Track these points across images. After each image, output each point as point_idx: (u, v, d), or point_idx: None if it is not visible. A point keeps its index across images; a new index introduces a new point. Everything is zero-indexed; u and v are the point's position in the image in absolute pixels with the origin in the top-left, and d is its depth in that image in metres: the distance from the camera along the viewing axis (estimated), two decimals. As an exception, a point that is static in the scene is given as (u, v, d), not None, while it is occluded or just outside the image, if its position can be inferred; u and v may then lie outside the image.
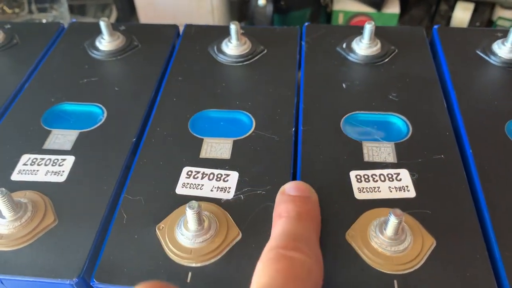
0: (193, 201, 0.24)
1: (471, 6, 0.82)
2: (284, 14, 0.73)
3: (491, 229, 0.25)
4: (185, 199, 0.27)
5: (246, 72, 0.36)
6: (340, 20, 0.79)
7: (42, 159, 0.30)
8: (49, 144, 0.31)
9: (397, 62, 0.36)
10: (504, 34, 0.37)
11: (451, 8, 0.83)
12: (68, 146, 0.31)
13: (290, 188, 0.25)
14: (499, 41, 0.37)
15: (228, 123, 0.32)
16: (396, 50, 0.37)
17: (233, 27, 0.36)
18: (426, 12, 0.82)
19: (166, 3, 0.77)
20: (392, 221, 0.23)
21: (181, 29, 0.42)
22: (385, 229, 0.24)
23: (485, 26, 0.84)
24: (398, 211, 0.23)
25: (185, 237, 0.25)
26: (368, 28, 0.36)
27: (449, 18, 0.83)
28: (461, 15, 0.82)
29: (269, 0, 0.68)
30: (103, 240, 0.26)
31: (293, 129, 0.31)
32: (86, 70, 0.37)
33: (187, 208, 0.24)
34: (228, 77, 0.36)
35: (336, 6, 0.78)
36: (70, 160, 0.30)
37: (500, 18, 0.86)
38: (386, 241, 0.24)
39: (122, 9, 0.81)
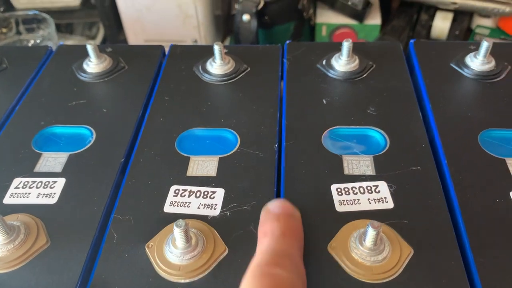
0: (180, 220, 0.25)
1: (450, 16, 0.84)
2: (268, 29, 0.74)
3: (466, 237, 0.27)
4: (173, 217, 0.28)
5: (230, 90, 0.38)
6: (324, 32, 0.81)
7: (34, 182, 0.31)
8: (40, 167, 0.32)
9: (375, 77, 0.38)
10: (476, 46, 0.39)
11: (431, 18, 0.85)
12: (58, 169, 0.32)
13: (274, 206, 0.27)
14: (472, 54, 0.38)
15: (214, 141, 0.33)
16: (374, 65, 0.39)
17: (217, 47, 0.38)
18: (407, 22, 0.84)
19: (153, 20, 0.79)
20: (370, 232, 0.25)
21: (167, 48, 0.43)
22: (364, 240, 0.25)
23: (464, 34, 0.86)
24: (375, 223, 0.24)
25: (174, 254, 0.26)
26: (346, 45, 0.37)
27: (429, 28, 0.85)
28: (441, 24, 0.84)
29: (253, 16, 0.69)
30: (95, 260, 0.27)
31: (276, 145, 0.32)
32: (75, 92, 0.38)
33: (175, 227, 0.25)
34: (213, 95, 0.37)
35: (319, 19, 0.80)
36: (61, 182, 0.31)
37: (478, 26, 0.88)
38: (365, 251, 0.25)
39: (109, 27, 0.82)
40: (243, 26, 0.70)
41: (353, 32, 0.81)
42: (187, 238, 0.25)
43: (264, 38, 0.75)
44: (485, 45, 0.37)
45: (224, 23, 0.88)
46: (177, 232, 0.25)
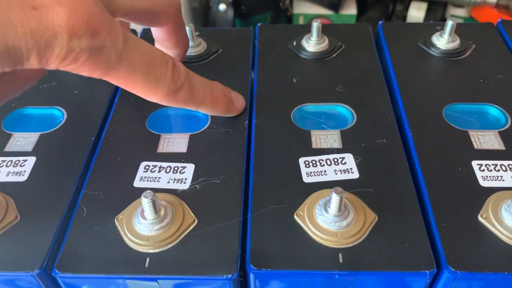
0: (148, 191, 0.25)
1: (424, 6, 0.85)
2: (245, 19, 0.75)
3: (428, 203, 0.27)
4: (143, 192, 0.28)
5: (202, 72, 0.37)
6: (301, 22, 0.82)
7: (3, 161, 0.31)
8: (10, 146, 0.32)
9: (344, 57, 0.39)
10: (443, 27, 0.40)
11: (406, 8, 0.87)
12: (29, 148, 0.32)
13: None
14: (438, 33, 0.39)
15: (185, 119, 0.34)
16: (343, 46, 0.40)
17: (188, 29, 0.38)
18: (382, 12, 0.85)
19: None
20: (334, 198, 0.25)
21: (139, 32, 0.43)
22: (329, 207, 0.26)
23: (439, 24, 0.88)
24: (338, 188, 0.25)
25: (142, 225, 0.26)
26: (315, 26, 0.38)
27: (404, 18, 0.87)
28: (416, 14, 0.86)
29: (229, 5, 0.70)
30: (64, 234, 0.27)
31: (247, 122, 0.33)
32: (45, 75, 0.38)
33: (142, 197, 0.25)
34: (185, 77, 0.37)
35: (296, 10, 0.81)
36: (31, 160, 0.31)
37: (452, 16, 0.90)
38: (330, 218, 0.26)
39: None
40: (219, 16, 0.70)
41: (329, 22, 0.82)
42: (155, 209, 0.26)
43: (241, 28, 0.75)
44: (450, 24, 0.38)
45: (202, 15, 0.88)
46: (145, 202, 0.25)
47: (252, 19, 0.75)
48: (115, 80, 0.25)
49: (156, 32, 0.33)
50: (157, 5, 0.30)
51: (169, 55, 0.28)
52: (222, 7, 0.69)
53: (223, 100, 0.32)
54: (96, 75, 0.24)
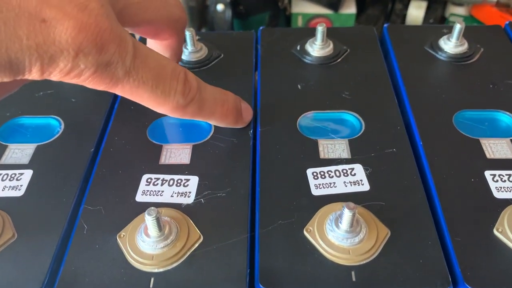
0: (152, 208, 0.24)
1: (424, 4, 0.84)
2: (243, 19, 0.73)
3: (442, 216, 0.27)
4: (145, 206, 0.27)
5: (203, 78, 0.36)
6: (299, 22, 0.81)
7: (-1, 174, 0.29)
8: (5, 159, 0.31)
9: (349, 62, 0.38)
10: (450, 30, 0.39)
11: (406, 7, 0.86)
12: (25, 160, 0.30)
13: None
14: (445, 37, 0.38)
15: (187, 129, 0.32)
16: (348, 50, 0.39)
17: (188, 34, 0.37)
18: (381, 11, 0.84)
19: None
20: (346, 214, 0.24)
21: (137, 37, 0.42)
22: (340, 222, 0.25)
23: (438, 22, 0.87)
24: (351, 204, 0.24)
25: (146, 243, 0.25)
26: (320, 30, 0.37)
27: (404, 16, 0.86)
28: (415, 13, 0.85)
29: (227, 5, 0.68)
30: (64, 252, 0.26)
31: (251, 131, 0.32)
32: (41, 82, 0.36)
33: (146, 215, 0.24)
34: (186, 83, 0.36)
35: (295, 9, 0.80)
36: (28, 174, 0.29)
37: (452, 14, 0.89)
38: (342, 234, 0.25)
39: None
40: (217, 16, 0.69)
41: (328, 21, 0.81)
42: (160, 227, 0.25)
43: (239, 29, 0.74)
44: (458, 27, 0.37)
45: (199, 14, 0.86)
46: (148, 220, 0.24)
47: (250, 19, 0.74)
48: (120, 92, 0.24)
49: (153, 44, 0.31)
50: (166, 18, 0.29)
51: (182, 67, 0.27)
52: (220, 7, 0.68)
53: (233, 113, 0.30)
54: (100, 88, 0.23)
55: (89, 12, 0.21)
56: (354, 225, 0.25)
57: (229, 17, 0.69)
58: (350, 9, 0.80)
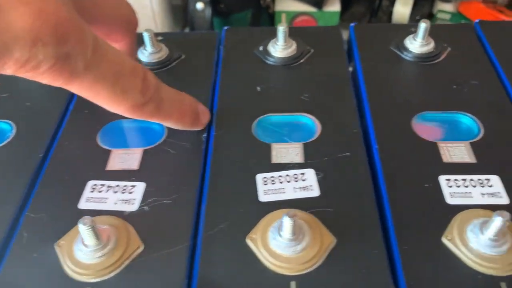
0: (86, 217, 0.23)
1: (410, 1, 0.83)
2: (224, 17, 0.73)
3: (391, 224, 0.26)
4: (88, 214, 0.26)
5: (163, 79, 0.36)
6: (283, 20, 0.80)
7: None
8: (-48, 165, 0.30)
9: (312, 63, 0.37)
10: (417, 29, 0.38)
11: (392, 3, 0.85)
12: (-28, 166, 0.30)
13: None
14: (411, 36, 0.37)
15: (139, 133, 0.32)
16: (312, 51, 0.38)
17: (147, 35, 0.36)
18: (367, 8, 0.83)
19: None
20: (287, 222, 0.23)
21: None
22: (282, 231, 0.24)
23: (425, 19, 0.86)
24: (291, 212, 0.23)
25: (83, 253, 0.24)
26: (281, 30, 0.36)
27: (390, 13, 0.85)
28: (402, 10, 0.84)
29: (207, 4, 0.68)
30: (0, 262, 0.25)
31: (205, 135, 0.31)
32: (-2, 86, 0.36)
33: (80, 224, 0.23)
34: (144, 85, 0.36)
35: (278, 7, 0.79)
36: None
37: (440, 11, 0.88)
38: (284, 242, 0.24)
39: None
40: (197, 15, 0.68)
41: (312, 19, 0.80)
42: (96, 236, 0.24)
43: (220, 27, 0.73)
44: (423, 26, 0.36)
45: (183, 12, 0.86)
46: (83, 229, 0.23)
47: (231, 17, 0.73)
48: (77, 89, 0.23)
49: None
50: (119, 19, 0.29)
51: (142, 65, 0.26)
52: (199, 5, 0.67)
53: (190, 115, 0.30)
54: (57, 83, 0.22)
55: (47, 0, 0.20)
56: (296, 233, 0.24)
57: (209, 16, 0.68)
58: (334, 7, 0.79)
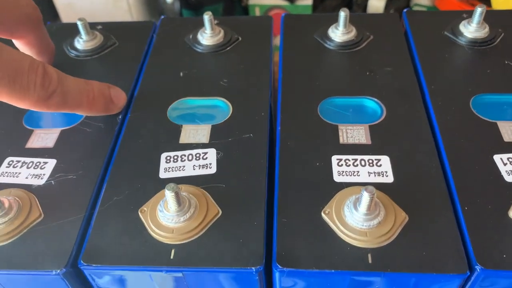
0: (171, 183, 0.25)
1: (385, -6, 0.84)
2: (195, 10, 0.74)
3: (276, 199, 0.27)
4: (1, 187, 0.28)
5: (94, 66, 0.38)
6: (257, 13, 0.81)
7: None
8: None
9: (238, 50, 0.38)
10: (469, 15, 0.38)
11: (367, -3, 0.85)
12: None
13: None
14: (465, 21, 0.38)
15: (61, 114, 0.34)
16: (240, 38, 0.39)
17: (80, 23, 0.38)
18: (341, 2, 0.84)
19: (84, 3, 0.79)
20: (169, 195, 0.25)
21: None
22: (168, 204, 0.26)
23: (400, 12, 0.86)
24: (171, 185, 0.25)
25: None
26: (207, 19, 0.38)
27: (365, 7, 0.85)
28: (376, 4, 0.84)
29: (176, -4, 0.69)
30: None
31: (120, 117, 0.33)
32: None
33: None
34: (78, 71, 0.37)
35: (252, 0, 0.80)
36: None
37: (416, 4, 0.88)
38: (169, 214, 0.26)
39: (43, 11, 0.82)
40: (166, 8, 0.70)
41: (286, 12, 0.81)
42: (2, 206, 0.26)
43: (190, 20, 0.75)
44: (478, 11, 0.36)
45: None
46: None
47: (203, 10, 0.75)
48: None
49: (17, 44, 0.33)
50: (17, 18, 0.31)
51: (39, 60, 0.28)
52: (168, -2, 0.69)
53: (101, 101, 0.31)
54: None
55: None
56: (182, 204, 0.26)
57: (178, 9, 0.70)
58: (306, 0, 0.80)
